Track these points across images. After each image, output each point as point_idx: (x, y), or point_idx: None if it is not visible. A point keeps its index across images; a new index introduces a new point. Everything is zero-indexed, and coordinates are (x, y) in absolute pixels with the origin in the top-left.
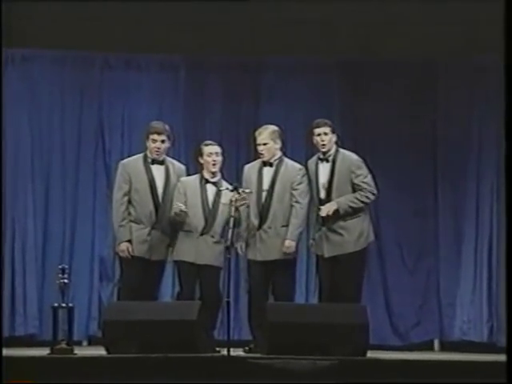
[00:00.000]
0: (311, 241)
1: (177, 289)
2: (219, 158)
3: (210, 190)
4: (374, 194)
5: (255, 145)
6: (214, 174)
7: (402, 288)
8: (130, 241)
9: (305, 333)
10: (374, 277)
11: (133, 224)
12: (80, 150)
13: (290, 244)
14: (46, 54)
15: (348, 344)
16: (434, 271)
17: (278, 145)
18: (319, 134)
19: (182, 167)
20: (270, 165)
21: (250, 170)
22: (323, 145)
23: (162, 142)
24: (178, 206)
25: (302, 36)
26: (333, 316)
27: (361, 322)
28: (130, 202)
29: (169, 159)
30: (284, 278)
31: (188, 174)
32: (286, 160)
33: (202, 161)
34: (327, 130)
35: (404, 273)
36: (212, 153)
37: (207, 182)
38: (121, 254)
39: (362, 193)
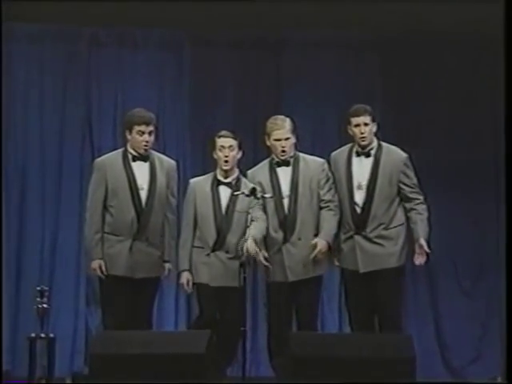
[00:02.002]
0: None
1: (181, 315)
2: (233, 153)
3: (224, 193)
4: (425, 200)
5: (268, 140)
6: (226, 172)
7: (457, 314)
8: (102, 258)
9: (336, 369)
10: (421, 300)
11: (110, 236)
12: (63, 145)
13: (322, 245)
14: (22, 29)
15: (390, 382)
16: (496, 293)
17: (295, 139)
18: (358, 125)
19: (172, 163)
20: (286, 164)
21: (258, 173)
22: (363, 137)
23: (150, 133)
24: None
25: (331, 5)
26: (371, 348)
27: (406, 356)
28: (105, 208)
29: (155, 154)
30: (311, 299)
31: (196, 175)
32: (302, 155)
33: (215, 156)
34: (367, 119)
35: (459, 295)
36: (224, 146)
37: (220, 183)
38: (93, 273)
39: (422, 204)
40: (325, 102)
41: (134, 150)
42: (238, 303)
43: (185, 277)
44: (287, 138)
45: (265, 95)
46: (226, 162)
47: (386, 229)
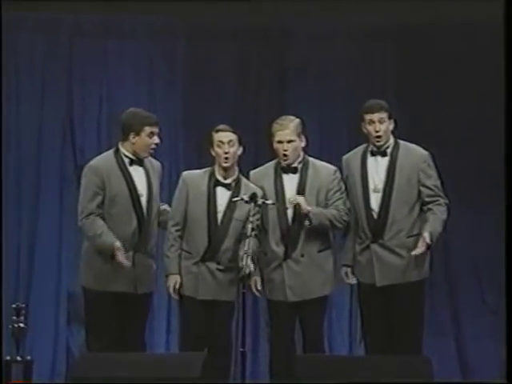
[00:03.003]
0: (345, 268)
1: (173, 336)
2: (233, 149)
3: (222, 195)
4: (446, 205)
5: (273, 142)
6: (226, 171)
7: (481, 333)
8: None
9: None
10: (441, 318)
11: None
12: (41, 146)
13: (301, 200)
14: None
15: None
16: None
17: (303, 142)
18: (372, 122)
19: (159, 164)
20: (293, 170)
21: (262, 177)
22: (378, 136)
23: (158, 135)
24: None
25: None
26: (386, 372)
27: (424, 380)
28: (103, 218)
29: None
30: (315, 318)
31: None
32: (312, 161)
33: (213, 153)
34: (383, 115)
35: (483, 313)
36: (223, 142)
37: (218, 183)
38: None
39: (440, 206)
40: (333, 98)
41: (133, 153)
42: (228, 320)
43: (173, 279)
44: (290, 141)
45: (267, 91)
46: (226, 158)
47: (407, 236)
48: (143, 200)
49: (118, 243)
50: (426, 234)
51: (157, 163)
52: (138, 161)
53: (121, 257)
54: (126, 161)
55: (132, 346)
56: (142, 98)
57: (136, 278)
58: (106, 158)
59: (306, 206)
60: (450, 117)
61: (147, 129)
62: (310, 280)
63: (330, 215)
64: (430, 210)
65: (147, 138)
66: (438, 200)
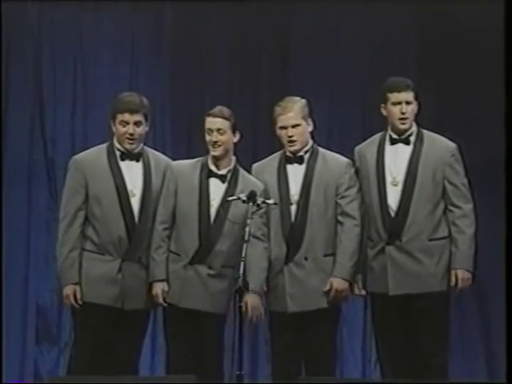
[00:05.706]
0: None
1: (158, 356)
2: (223, 138)
3: (215, 188)
4: (473, 211)
5: (278, 128)
6: (218, 160)
7: None
8: (78, 283)
9: None
10: (470, 335)
11: (93, 255)
12: (5, 135)
13: (339, 285)
14: None
15: None
16: None
17: (311, 127)
18: (398, 103)
19: (169, 162)
20: (299, 160)
21: (265, 169)
22: (404, 118)
23: (137, 124)
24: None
25: None
26: None
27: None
28: (87, 219)
29: (149, 151)
30: (323, 335)
31: None
32: (323, 151)
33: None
34: (410, 96)
35: None
36: (212, 129)
37: (211, 174)
38: (65, 302)
39: (466, 218)
40: (345, 78)
41: (119, 144)
42: (219, 336)
43: (159, 287)
44: (295, 125)
45: (268, 70)
46: (215, 145)
47: (429, 239)
48: (135, 201)
49: (69, 290)
50: (460, 275)
51: (167, 161)
52: (131, 155)
53: (68, 297)
54: (118, 154)
55: (120, 371)
56: (123, 78)
57: (123, 290)
58: (95, 151)
59: (340, 285)
60: (484, 102)
61: (119, 116)
62: (314, 288)
63: (351, 252)
64: (454, 225)
65: (120, 127)
66: (463, 208)
